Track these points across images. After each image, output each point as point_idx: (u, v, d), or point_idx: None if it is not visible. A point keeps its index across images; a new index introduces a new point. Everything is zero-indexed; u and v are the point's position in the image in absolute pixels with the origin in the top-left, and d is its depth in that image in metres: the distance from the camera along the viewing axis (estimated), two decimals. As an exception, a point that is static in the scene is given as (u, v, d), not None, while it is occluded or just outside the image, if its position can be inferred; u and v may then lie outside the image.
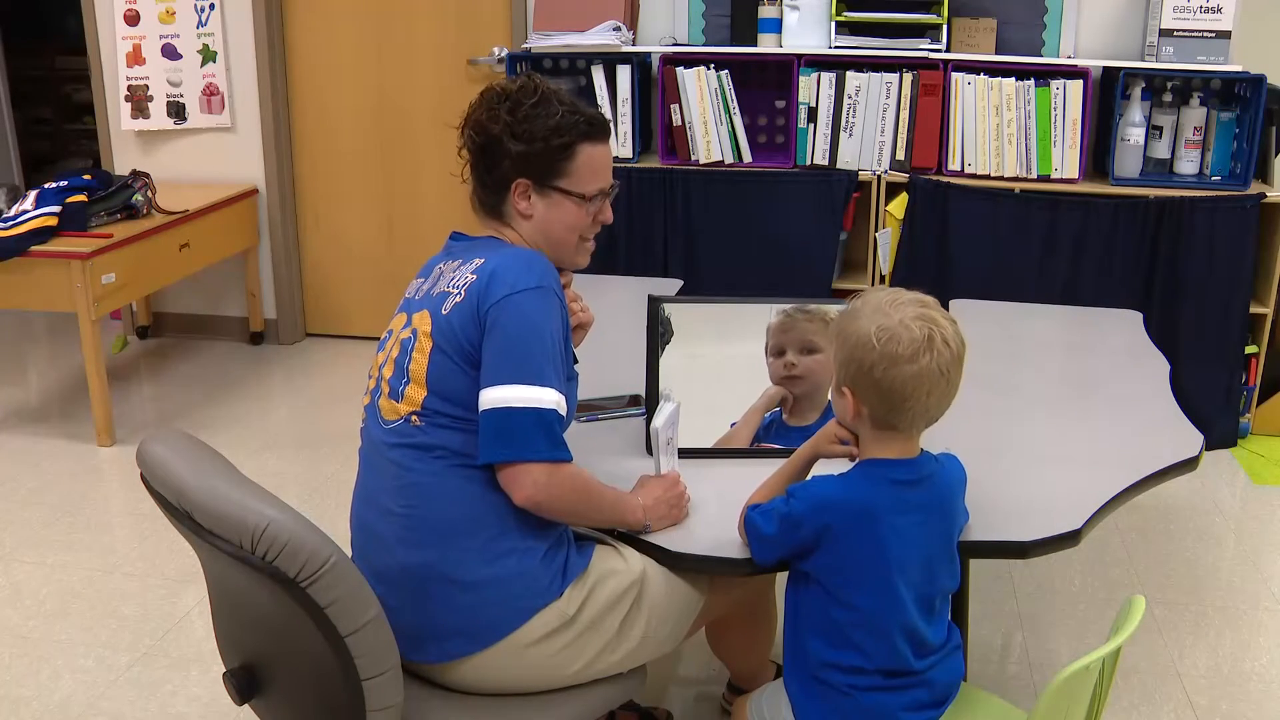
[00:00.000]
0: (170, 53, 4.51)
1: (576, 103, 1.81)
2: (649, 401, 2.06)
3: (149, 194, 3.97)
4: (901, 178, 3.76)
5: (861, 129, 3.76)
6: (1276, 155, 3.67)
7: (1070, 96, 3.61)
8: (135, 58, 4.52)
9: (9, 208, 3.81)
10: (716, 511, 1.84)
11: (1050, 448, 2.09)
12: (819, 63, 3.76)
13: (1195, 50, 3.55)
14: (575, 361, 1.86)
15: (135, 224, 3.88)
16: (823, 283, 3.87)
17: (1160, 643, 2.71)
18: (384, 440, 1.73)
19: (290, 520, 1.43)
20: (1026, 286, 3.68)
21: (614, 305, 2.92)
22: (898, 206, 3.77)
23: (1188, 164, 3.71)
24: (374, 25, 4.49)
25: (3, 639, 2.71)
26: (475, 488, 1.68)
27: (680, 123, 3.85)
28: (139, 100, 4.57)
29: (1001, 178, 3.72)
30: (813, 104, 3.76)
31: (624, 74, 3.87)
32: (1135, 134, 3.68)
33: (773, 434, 2.03)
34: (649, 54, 3.95)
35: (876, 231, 3.83)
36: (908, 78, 3.69)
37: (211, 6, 4.45)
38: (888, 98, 3.72)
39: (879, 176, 3.78)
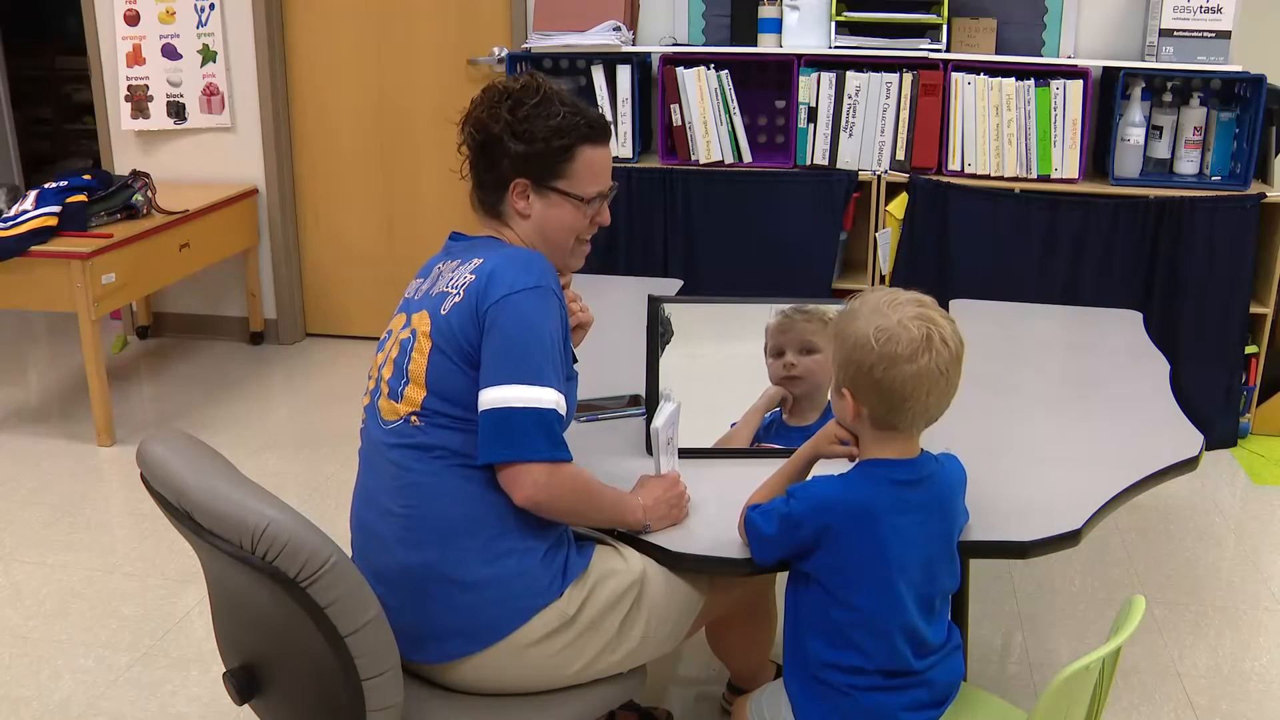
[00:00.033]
0: (170, 53, 4.51)
1: (578, 104, 1.81)
2: (649, 401, 2.06)
3: (149, 194, 3.97)
4: (901, 178, 3.76)
5: (861, 129, 3.76)
6: (1276, 155, 3.67)
7: (1070, 96, 3.61)
8: (135, 58, 4.52)
9: (9, 208, 3.81)
10: (716, 511, 1.84)
11: (1050, 448, 2.09)
12: (819, 63, 3.76)
13: (1195, 50, 3.55)
14: (575, 361, 1.86)
15: (135, 224, 3.88)
16: (823, 283, 3.87)
17: (1160, 643, 2.71)
18: (384, 440, 1.73)
19: (290, 520, 1.43)
20: (1026, 286, 3.68)
21: (614, 305, 2.92)
22: (898, 206, 3.77)
23: (1188, 164, 3.71)
24: (374, 25, 4.49)
25: (3, 639, 2.71)
26: (475, 488, 1.68)
27: (680, 123, 3.85)
28: (139, 100, 4.57)
29: (1001, 178, 3.72)
30: (813, 104, 3.76)
31: (624, 74, 3.87)
32: (1135, 134, 3.68)
33: (773, 434, 2.03)
34: (649, 54, 3.95)
35: (876, 231, 3.83)
36: (908, 78, 3.69)
37: (211, 6, 4.45)
38: (888, 98, 3.72)
39: (879, 176, 3.79)
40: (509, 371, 1.64)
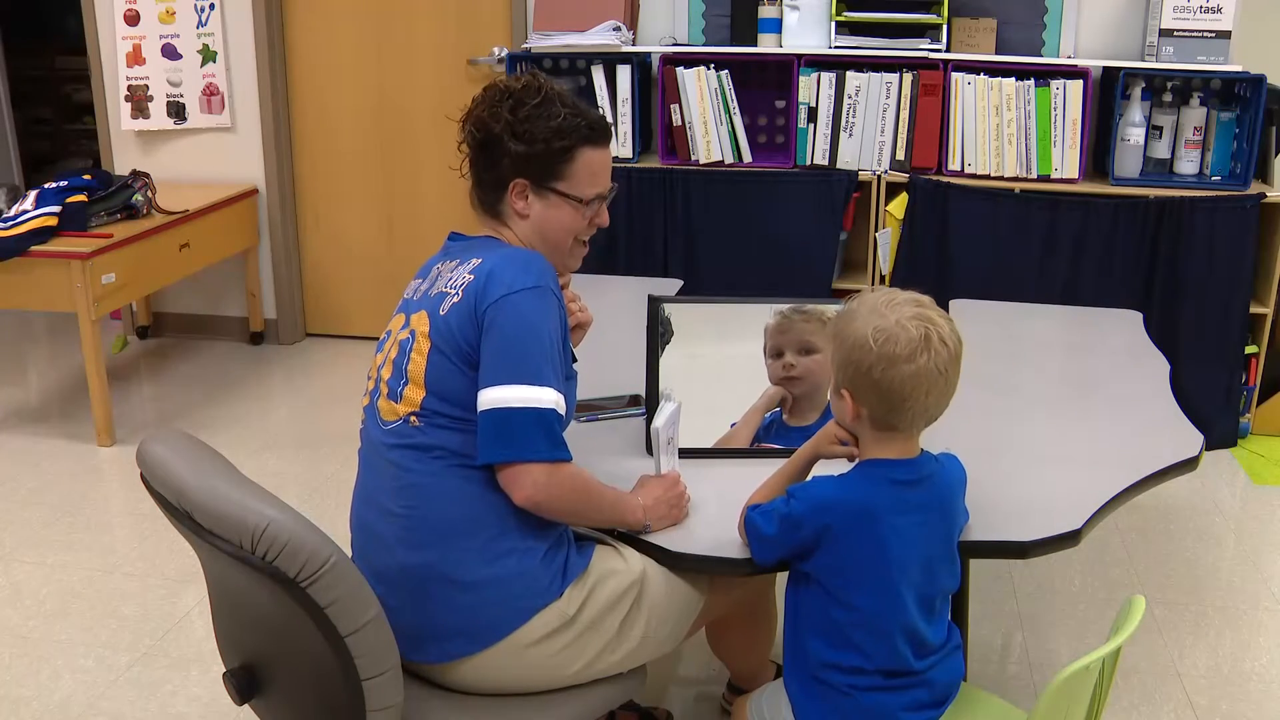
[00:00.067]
0: (170, 53, 4.51)
1: (579, 104, 1.81)
2: (649, 401, 2.06)
3: (149, 194, 3.97)
4: (901, 178, 3.76)
5: (861, 129, 3.76)
6: (1276, 155, 3.67)
7: (1070, 96, 3.61)
8: (135, 58, 4.52)
9: (9, 208, 3.81)
10: (716, 511, 1.84)
11: (1050, 448, 2.09)
12: (819, 63, 3.76)
13: (1195, 50, 3.55)
14: (574, 361, 1.86)
15: (135, 224, 3.88)
16: (823, 283, 3.87)
17: (1160, 643, 2.71)
18: (383, 441, 1.73)
19: (290, 520, 1.43)
20: (1026, 286, 3.68)
21: (614, 305, 2.92)
22: (898, 206, 3.77)
23: (1188, 164, 3.71)
24: (374, 25, 4.49)
25: (3, 639, 2.71)
26: (474, 488, 1.68)
27: (680, 123, 3.85)
28: (139, 100, 4.57)
29: (1001, 178, 3.72)
30: (813, 104, 3.76)
31: (624, 74, 3.87)
32: (1135, 134, 3.68)
33: (773, 434, 2.03)
34: (649, 54, 3.95)
35: (876, 231, 3.83)
36: (908, 78, 3.69)
37: (211, 6, 4.45)
38: (888, 98, 3.72)
39: (879, 176, 3.79)
40: (508, 371, 1.64)
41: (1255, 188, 3.64)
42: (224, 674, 1.68)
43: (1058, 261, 3.71)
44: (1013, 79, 3.64)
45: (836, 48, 3.77)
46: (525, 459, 1.63)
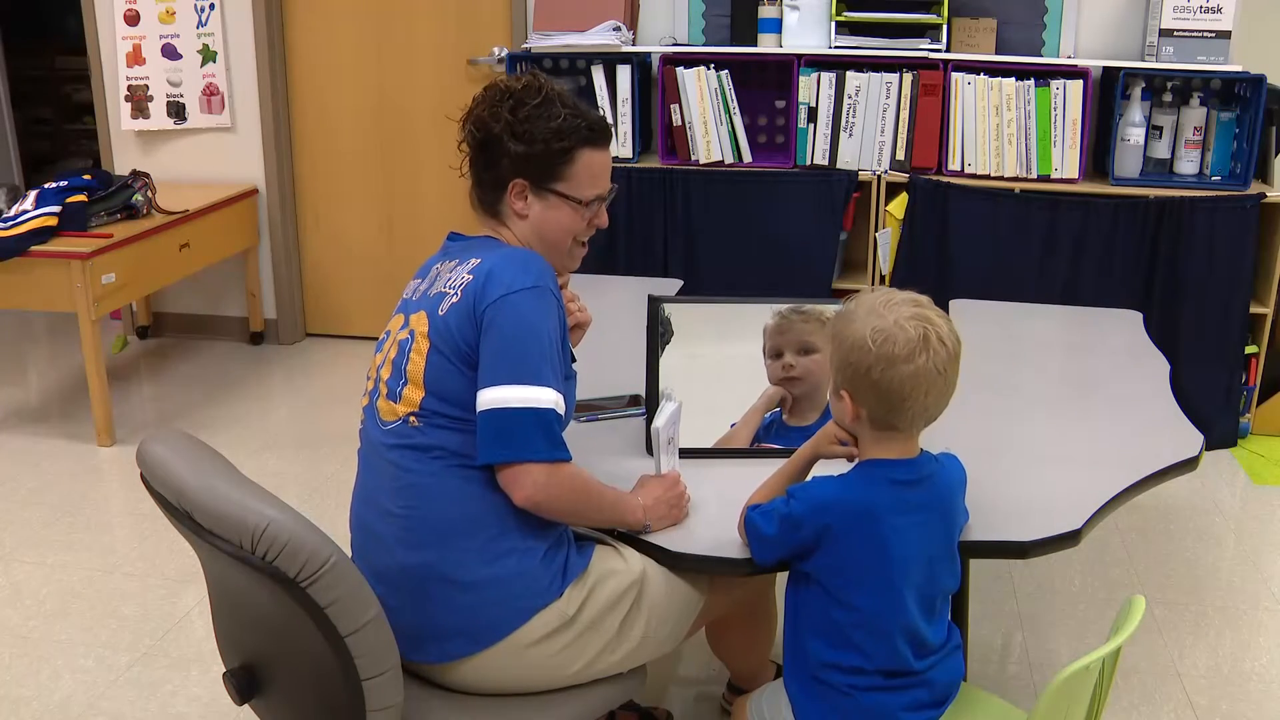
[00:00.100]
0: (170, 53, 4.51)
1: (580, 105, 1.81)
2: (649, 401, 2.06)
3: (149, 194, 3.97)
4: (901, 178, 3.76)
5: (861, 129, 3.76)
6: (1276, 155, 3.67)
7: (1070, 96, 3.61)
8: (135, 58, 4.52)
9: (9, 208, 3.81)
10: (716, 511, 1.84)
11: (1050, 448, 2.09)
12: (819, 63, 3.76)
13: (1195, 50, 3.55)
14: (573, 361, 1.86)
15: (135, 224, 3.88)
16: (823, 283, 3.87)
17: (1160, 643, 2.71)
18: (382, 441, 1.73)
19: (290, 520, 1.43)
20: (1026, 286, 3.68)
21: (614, 305, 2.92)
22: (898, 206, 3.77)
23: (1188, 164, 3.71)
24: (374, 25, 4.49)
25: (3, 639, 2.71)
26: (474, 488, 1.68)
27: (680, 123, 3.85)
28: (139, 100, 4.57)
29: (1001, 178, 3.72)
30: (813, 104, 3.76)
31: (624, 74, 3.87)
32: (1135, 134, 3.68)
33: (773, 434, 2.03)
34: (649, 54, 3.95)
35: (876, 231, 3.83)
36: (908, 78, 3.69)
37: (211, 6, 4.45)
38: (888, 98, 3.72)
39: (879, 176, 3.79)
40: (507, 372, 1.64)
41: (1255, 188, 3.64)
42: (224, 674, 1.68)
43: (1058, 261, 3.71)
44: (1013, 79, 3.64)
45: (836, 48, 3.77)
46: (525, 459, 1.63)
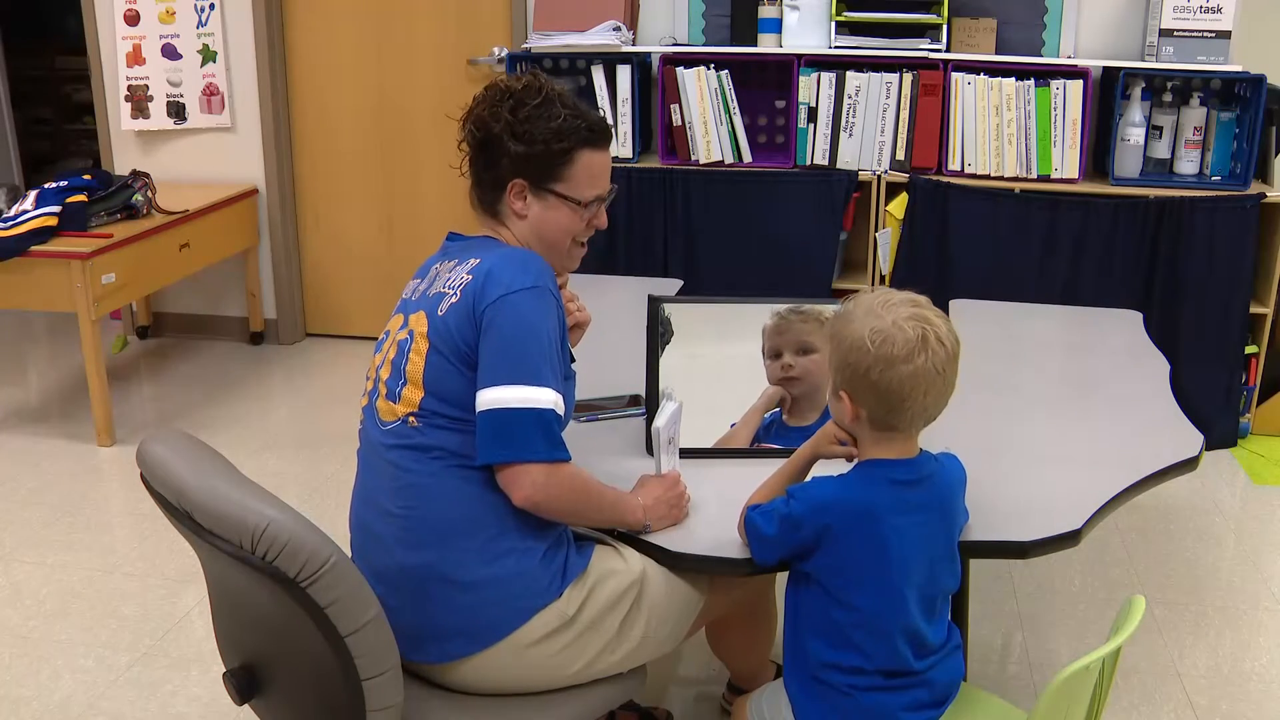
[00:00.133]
0: (170, 53, 4.51)
1: (580, 106, 1.81)
2: (649, 401, 2.06)
3: (149, 194, 3.97)
4: (901, 178, 3.76)
5: (861, 129, 3.76)
6: (1276, 155, 3.67)
7: (1070, 96, 3.61)
8: (135, 58, 4.52)
9: (9, 208, 3.81)
10: (716, 511, 1.84)
11: (1050, 448, 2.09)
12: (819, 63, 3.76)
13: (1195, 50, 3.55)
14: (573, 361, 1.86)
15: (135, 224, 3.88)
16: (823, 283, 3.87)
17: (1160, 643, 2.71)
18: (382, 441, 1.73)
19: (290, 520, 1.43)
20: (1026, 286, 3.68)
21: (614, 305, 2.92)
22: (898, 206, 3.77)
23: (1188, 164, 3.71)
24: (374, 25, 4.49)
25: (3, 639, 2.71)
26: (473, 488, 1.68)
27: (680, 123, 3.85)
28: (139, 100, 4.57)
29: (1001, 178, 3.72)
30: (813, 104, 3.76)
31: (624, 74, 3.87)
32: (1135, 134, 3.68)
33: (773, 434, 2.03)
34: (649, 54, 3.95)
35: (876, 231, 3.83)
36: (908, 78, 3.69)
37: (211, 6, 4.45)
38: (888, 98, 3.72)
39: (879, 176, 3.79)
40: (506, 372, 1.64)
41: (1255, 188, 3.64)
42: (224, 674, 1.68)
43: (1058, 261, 3.71)
44: (1013, 79, 3.64)
45: (836, 48, 3.78)
46: (524, 459, 1.63)
